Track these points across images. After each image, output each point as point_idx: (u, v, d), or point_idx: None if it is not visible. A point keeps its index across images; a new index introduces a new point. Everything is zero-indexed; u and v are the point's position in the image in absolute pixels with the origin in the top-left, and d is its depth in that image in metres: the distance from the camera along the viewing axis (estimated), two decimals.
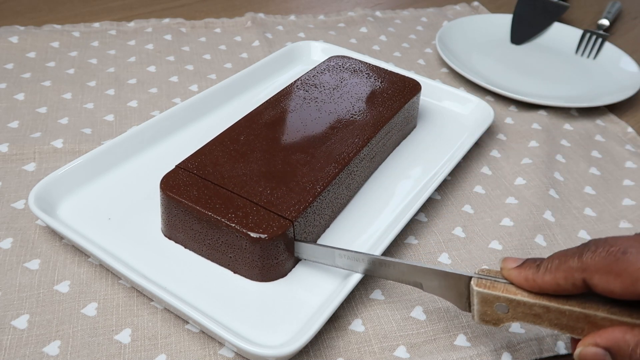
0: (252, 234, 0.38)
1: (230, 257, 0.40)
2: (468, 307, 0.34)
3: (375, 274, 0.38)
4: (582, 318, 0.29)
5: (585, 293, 0.29)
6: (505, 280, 0.32)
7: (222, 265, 0.41)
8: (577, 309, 0.29)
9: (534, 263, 0.31)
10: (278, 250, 0.39)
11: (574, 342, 0.31)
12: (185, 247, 0.42)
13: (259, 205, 0.40)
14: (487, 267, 0.33)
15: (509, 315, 0.31)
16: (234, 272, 0.40)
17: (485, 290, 0.32)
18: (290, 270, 0.41)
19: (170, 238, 0.43)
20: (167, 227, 0.42)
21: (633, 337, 0.28)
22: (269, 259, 0.39)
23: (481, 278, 0.32)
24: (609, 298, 0.29)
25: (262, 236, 0.38)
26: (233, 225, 0.38)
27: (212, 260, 0.41)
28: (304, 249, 0.40)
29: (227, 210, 0.39)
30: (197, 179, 0.42)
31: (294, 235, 0.40)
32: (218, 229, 0.39)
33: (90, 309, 0.39)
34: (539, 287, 0.30)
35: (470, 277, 0.33)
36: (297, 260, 0.42)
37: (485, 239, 0.47)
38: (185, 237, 0.42)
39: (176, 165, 0.43)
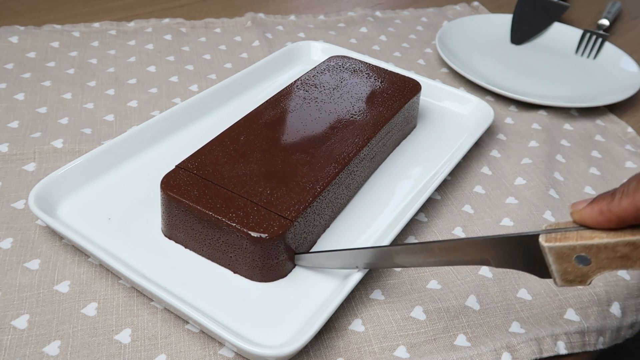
0: (253, 234, 0.38)
1: (231, 257, 0.40)
2: (548, 273, 0.29)
3: (418, 264, 0.34)
4: None
5: None
6: (578, 227, 0.28)
7: (222, 265, 0.41)
8: None
9: (608, 194, 0.27)
10: (278, 250, 0.39)
11: None
12: (186, 247, 0.42)
13: (259, 205, 0.40)
14: (555, 222, 0.29)
15: (593, 267, 0.27)
16: (234, 272, 0.40)
17: (557, 244, 0.27)
18: (291, 270, 0.41)
19: (170, 238, 0.43)
20: (168, 227, 0.42)
21: None
22: (269, 258, 0.39)
23: (550, 232, 0.28)
24: None
25: (263, 236, 0.38)
26: (233, 224, 0.38)
27: (213, 260, 0.41)
28: (310, 259, 0.40)
29: (227, 210, 0.39)
30: (198, 178, 0.42)
31: (294, 236, 0.40)
32: (218, 228, 0.39)
33: (90, 309, 0.39)
34: (617, 218, 0.26)
35: (538, 235, 0.28)
36: (297, 261, 0.42)
37: None
38: (185, 237, 0.42)
39: (176, 165, 0.43)
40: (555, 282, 0.29)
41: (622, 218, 0.26)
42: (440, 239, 0.31)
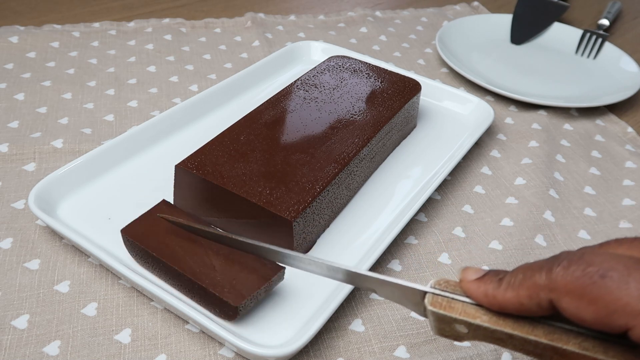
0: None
1: None
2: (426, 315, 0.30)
3: (332, 278, 0.34)
4: (550, 349, 0.25)
5: (553, 316, 0.25)
6: (463, 297, 0.27)
7: None
8: (543, 340, 0.25)
9: (496, 277, 0.27)
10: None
11: None
12: None
13: (259, 205, 0.40)
14: (445, 280, 0.29)
15: (470, 335, 0.27)
16: None
17: (441, 311, 0.27)
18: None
19: None
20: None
21: None
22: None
23: (437, 294, 0.28)
24: (580, 327, 0.25)
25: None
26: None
27: None
28: (273, 254, 0.36)
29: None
30: (182, 213, 0.41)
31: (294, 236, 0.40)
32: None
33: (90, 309, 0.39)
34: (499, 305, 0.26)
35: (425, 293, 0.28)
36: None
37: (485, 239, 0.47)
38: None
39: (175, 166, 0.43)
40: (431, 330, 0.29)
41: (503, 307, 0.26)
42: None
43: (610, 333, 0.23)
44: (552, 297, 0.24)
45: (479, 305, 0.27)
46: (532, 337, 0.25)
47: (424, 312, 0.29)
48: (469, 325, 0.27)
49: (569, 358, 0.25)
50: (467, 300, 0.27)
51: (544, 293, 0.24)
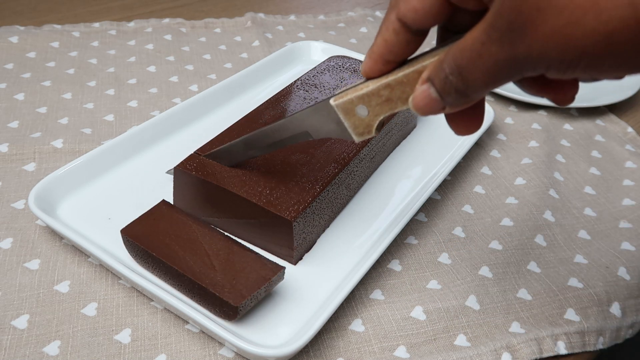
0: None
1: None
2: (349, 134, 0.33)
3: (267, 150, 0.39)
4: (418, 78, 0.28)
5: (421, 54, 0.29)
6: (360, 82, 0.31)
7: None
8: (408, 69, 0.28)
9: None
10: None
11: None
12: None
13: (259, 205, 0.40)
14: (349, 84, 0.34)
15: (371, 115, 0.31)
16: None
17: (340, 100, 0.32)
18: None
19: None
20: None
21: (445, 55, 0.26)
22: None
23: (338, 93, 0.32)
24: (436, 48, 0.28)
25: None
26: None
27: None
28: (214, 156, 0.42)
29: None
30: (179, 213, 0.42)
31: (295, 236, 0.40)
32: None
33: (90, 309, 0.39)
34: (377, 56, 0.29)
35: (329, 98, 0.33)
36: (297, 261, 0.42)
37: (485, 239, 0.47)
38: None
39: (175, 166, 0.43)
40: (354, 139, 0.33)
41: (382, 55, 0.29)
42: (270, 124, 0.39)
43: (440, 9, 0.26)
44: (396, 13, 0.27)
45: (368, 80, 0.31)
46: (400, 74, 0.29)
47: (343, 129, 0.33)
48: (362, 99, 0.31)
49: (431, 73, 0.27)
50: (361, 82, 0.31)
51: (391, 15, 0.28)
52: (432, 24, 0.27)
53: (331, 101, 0.32)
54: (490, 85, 0.25)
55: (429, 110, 0.28)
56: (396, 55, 0.29)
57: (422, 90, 0.27)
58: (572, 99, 0.27)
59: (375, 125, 0.32)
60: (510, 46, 0.22)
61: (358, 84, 0.31)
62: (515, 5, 0.22)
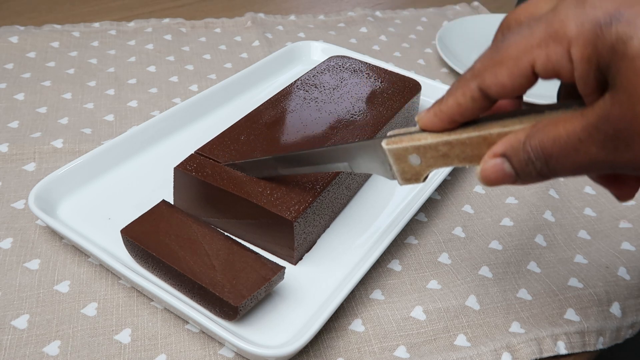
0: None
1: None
2: (393, 174, 0.33)
3: (300, 172, 0.39)
4: (482, 142, 0.28)
5: (486, 118, 0.29)
6: (415, 130, 0.31)
7: None
8: (474, 133, 0.28)
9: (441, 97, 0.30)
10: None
11: None
12: None
13: (260, 205, 0.40)
14: (400, 129, 0.33)
15: (423, 165, 0.31)
16: None
17: (394, 146, 0.31)
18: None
19: None
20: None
21: (523, 133, 0.26)
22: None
23: (391, 137, 0.32)
24: (503, 115, 0.28)
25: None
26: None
27: None
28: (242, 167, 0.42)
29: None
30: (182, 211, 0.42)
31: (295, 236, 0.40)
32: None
33: (90, 309, 0.39)
34: (447, 117, 0.28)
35: (382, 140, 0.32)
36: (297, 261, 0.42)
37: (485, 239, 0.47)
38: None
39: (175, 167, 0.43)
40: (398, 182, 0.33)
41: (450, 116, 0.28)
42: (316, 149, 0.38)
43: (527, 85, 0.26)
44: (479, 83, 0.26)
45: (425, 132, 0.30)
46: (464, 136, 0.29)
47: (390, 168, 0.32)
48: (418, 149, 0.30)
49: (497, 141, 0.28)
50: (416, 130, 0.31)
51: (472, 83, 0.27)
52: (516, 96, 0.27)
53: (383, 144, 0.32)
54: (576, 174, 0.25)
55: (499, 182, 0.28)
56: (465, 118, 0.28)
57: (495, 164, 0.27)
58: (633, 196, 0.27)
59: (425, 175, 0.32)
60: (614, 151, 0.23)
61: (413, 132, 0.31)
62: (623, 115, 0.22)
